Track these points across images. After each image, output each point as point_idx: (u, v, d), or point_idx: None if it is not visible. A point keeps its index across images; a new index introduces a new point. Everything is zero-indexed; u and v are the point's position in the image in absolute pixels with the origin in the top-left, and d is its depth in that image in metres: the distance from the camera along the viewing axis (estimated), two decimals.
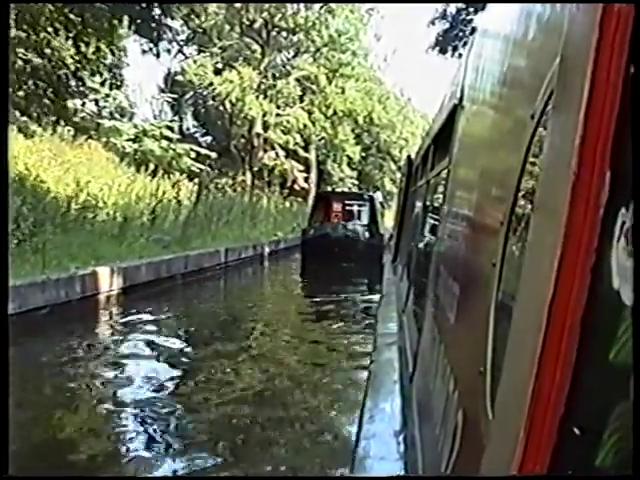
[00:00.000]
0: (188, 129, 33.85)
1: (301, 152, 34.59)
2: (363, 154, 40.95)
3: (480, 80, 2.27)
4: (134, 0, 16.00)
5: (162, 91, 32.97)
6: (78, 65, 19.14)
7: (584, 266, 0.77)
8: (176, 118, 32.19)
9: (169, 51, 33.06)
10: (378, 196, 24.90)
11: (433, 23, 17.15)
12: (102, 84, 22.47)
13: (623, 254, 0.70)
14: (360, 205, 20.68)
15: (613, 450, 0.67)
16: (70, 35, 16.73)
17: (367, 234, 18.66)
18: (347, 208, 20.49)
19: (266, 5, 29.93)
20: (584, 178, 0.78)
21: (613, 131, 0.76)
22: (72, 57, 18.70)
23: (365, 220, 20.21)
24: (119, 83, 23.49)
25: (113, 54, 20.80)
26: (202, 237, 16.60)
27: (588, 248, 0.76)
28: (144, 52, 18.35)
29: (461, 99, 2.86)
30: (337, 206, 20.48)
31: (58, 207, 12.16)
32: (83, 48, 17.34)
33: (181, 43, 33.37)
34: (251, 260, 18.63)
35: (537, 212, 1.02)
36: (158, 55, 18.17)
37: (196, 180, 23.44)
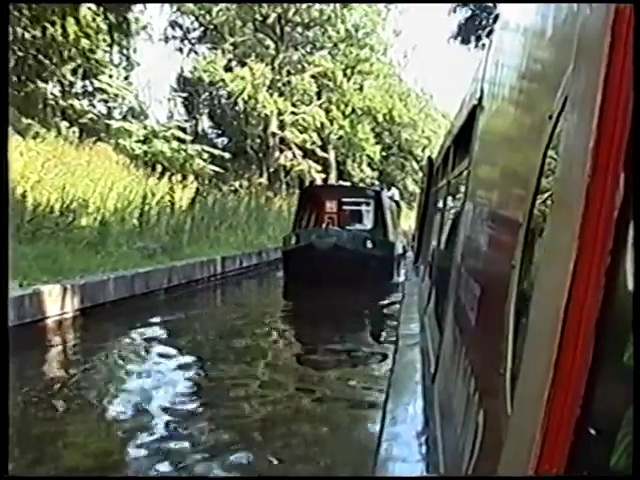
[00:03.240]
0: (203, 130, 34.04)
1: (319, 152, 34.54)
2: (384, 154, 40.81)
3: (499, 80, 2.31)
4: (135, 0, 15.98)
5: (175, 91, 33.20)
6: (47, 50, 18.16)
7: (599, 268, 0.79)
8: (190, 119, 32.44)
9: (181, 50, 33.35)
10: (392, 193, 20.68)
11: (454, 11, 16.95)
12: (74, 72, 21.68)
13: (632, 257, 0.72)
14: (362, 204, 16.52)
15: (627, 451, 0.70)
16: (32, 13, 15.51)
17: (369, 243, 14.20)
18: (344, 208, 16.48)
19: None
20: (598, 181, 0.81)
21: (627, 133, 0.78)
22: (37, 40, 17.71)
23: (368, 224, 16.17)
24: (95, 70, 22.57)
25: (88, 37, 19.62)
26: (198, 244, 15.04)
27: (603, 250, 0.79)
28: (109, 30, 17.90)
29: (480, 99, 2.89)
30: (331, 205, 16.37)
31: (23, 213, 10.93)
32: (49, 32, 16.35)
33: (193, 41, 33.60)
34: (255, 269, 16.47)
35: (552, 214, 1.05)
36: (127, 35, 17.75)
37: (206, 181, 23.07)
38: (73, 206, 12.58)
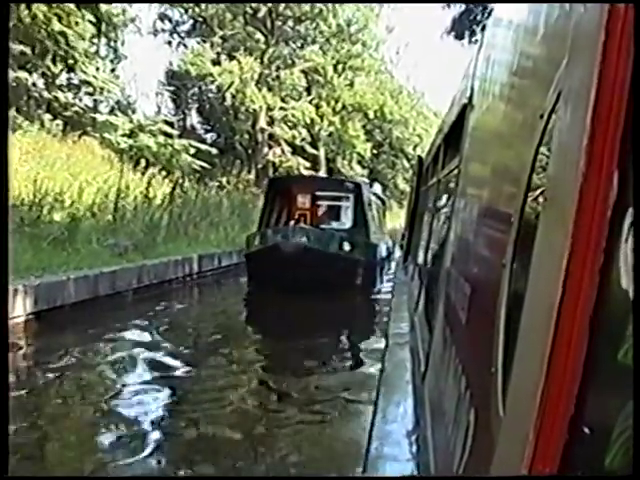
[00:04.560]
0: (192, 125, 33.94)
1: (309, 149, 34.52)
2: (375, 151, 40.81)
3: (489, 79, 2.33)
4: (133, 0, 15.81)
5: (163, 85, 33.07)
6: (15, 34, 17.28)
7: (593, 266, 0.80)
8: (179, 114, 32.34)
9: (170, 43, 33.22)
10: (375, 188, 18.63)
11: (449, 5, 16.84)
12: (43, 57, 20.79)
13: (631, 254, 0.73)
14: (340, 198, 14.34)
15: (622, 450, 0.70)
16: None
17: (347, 245, 12.04)
18: (319, 203, 14.47)
19: None
20: (592, 178, 0.82)
21: (621, 131, 0.79)
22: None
23: (347, 222, 14.16)
24: (69, 57, 21.55)
25: (60, 20, 18.79)
26: (175, 241, 14.14)
27: (596, 248, 0.80)
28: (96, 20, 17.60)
29: (471, 98, 2.92)
30: (303, 199, 14.35)
31: None
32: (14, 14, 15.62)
33: (182, 34, 33.47)
34: (235, 268, 15.19)
35: (546, 212, 1.05)
36: (98, 18, 17.46)
37: (190, 177, 22.65)
38: (46, 200, 12.03)
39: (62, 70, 22.58)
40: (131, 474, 4.40)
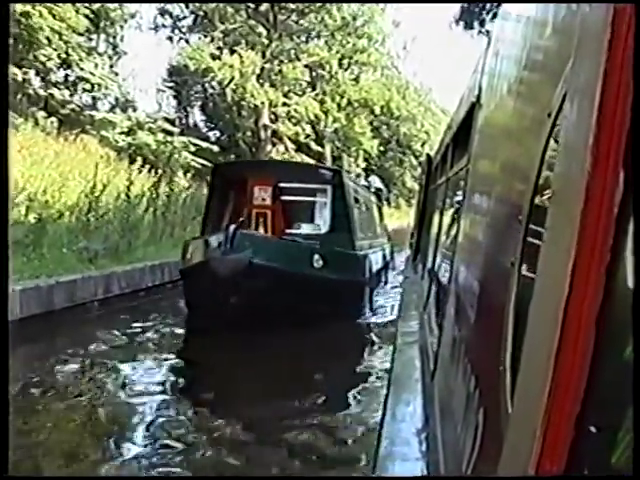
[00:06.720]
0: (195, 123, 33.97)
1: (314, 146, 34.49)
2: (382, 148, 40.80)
3: (498, 76, 2.36)
4: (134, 0, 15.87)
5: (165, 81, 33.13)
6: None
7: (599, 265, 0.82)
8: (181, 111, 32.40)
9: (171, 39, 33.27)
10: (372, 182, 15.46)
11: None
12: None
13: (631, 253, 0.75)
14: (313, 192, 10.81)
15: (628, 449, 0.72)
16: None
17: (319, 260, 8.79)
18: (284, 199, 10.68)
19: None
20: (598, 177, 0.84)
21: (627, 130, 0.81)
22: None
23: (322, 224, 10.66)
24: (27, 36, 21.14)
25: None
26: (158, 244, 13.23)
27: (603, 247, 0.82)
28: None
29: (479, 97, 2.96)
30: (261, 194, 10.44)
31: None
32: None
33: (184, 30, 33.50)
34: None
35: (552, 212, 1.08)
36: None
37: (188, 175, 22.61)
38: (19, 200, 11.14)
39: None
40: None
